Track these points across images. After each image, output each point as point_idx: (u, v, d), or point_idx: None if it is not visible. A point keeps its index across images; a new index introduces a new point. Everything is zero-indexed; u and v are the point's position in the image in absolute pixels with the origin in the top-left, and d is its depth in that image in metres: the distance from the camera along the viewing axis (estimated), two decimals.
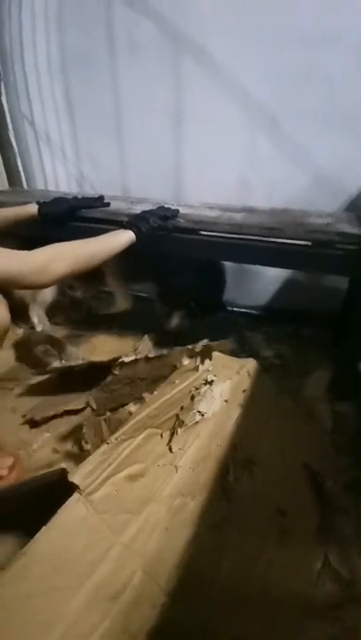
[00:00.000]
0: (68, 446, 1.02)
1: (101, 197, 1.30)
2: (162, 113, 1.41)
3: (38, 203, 1.17)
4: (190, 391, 0.83)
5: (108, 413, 0.95)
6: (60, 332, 1.54)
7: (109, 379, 1.02)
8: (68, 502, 0.61)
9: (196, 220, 1.12)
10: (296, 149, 1.29)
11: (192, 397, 0.83)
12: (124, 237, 1.00)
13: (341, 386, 1.18)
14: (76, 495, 0.62)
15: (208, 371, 0.86)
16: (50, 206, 1.19)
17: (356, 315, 1.04)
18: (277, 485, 0.84)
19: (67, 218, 1.22)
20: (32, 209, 1.16)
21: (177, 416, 0.80)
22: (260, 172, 1.38)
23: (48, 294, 1.55)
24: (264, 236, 1.02)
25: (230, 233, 1.05)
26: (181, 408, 0.81)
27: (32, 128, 1.64)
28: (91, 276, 1.33)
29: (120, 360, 1.02)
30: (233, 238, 1.05)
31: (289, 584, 0.73)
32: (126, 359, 1.00)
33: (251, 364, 1.01)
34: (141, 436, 0.75)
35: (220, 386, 0.88)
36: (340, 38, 1.11)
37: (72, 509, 0.61)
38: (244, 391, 0.93)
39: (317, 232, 0.99)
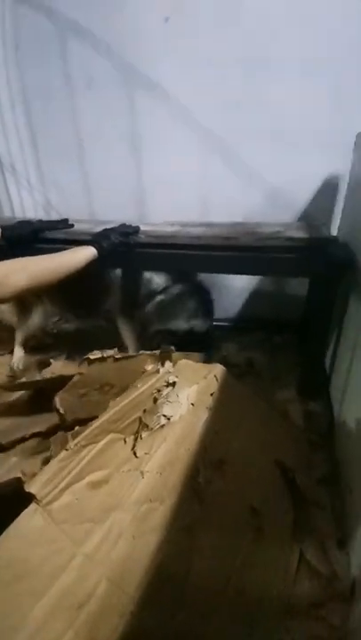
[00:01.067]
0: (36, 468, 0.98)
1: (65, 220, 1.34)
2: (121, 140, 1.49)
3: (1, 226, 1.19)
4: (152, 393, 0.83)
5: (76, 427, 0.93)
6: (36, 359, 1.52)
7: (76, 378, 1.00)
8: (24, 513, 0.59)
9: (157, 235, 1.16)
10: (247, 168, 1.38)
11: (155, 400, 0.83)
12: (86, 253, 1.03)
13: (310, 386, 1.21)
14: (33, 505, 0.60)
15: (169, 372, 0.87)
16: (13, 229, 1.21)
17: (314, 316, 1.09)
18: (250, 484, 0.84)
19: (30, 240, 1.24)
20: None
21: (140, 419, 0.80)
22: (217, 190, 1.46)
23: (35, 320, 1.53)
24: (221, 245, 1.07)
25: (189, 245, 1.10)
26: (144, 411, 0.81)
27: None
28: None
29: (86, 357, 1.01)
30: (192, 249, 1.10)
31: (267, 583, 0.72)
32: (92, 356, 1.00)
33: (218, 369, 1.02)
34: (103, 442, 0.74)
35: (185, 390, 0.89)
36: (272, 62, 1.22)
37: (29, 520, 0.59)
38: (211, 394, 0.94)
39: (269, 239, 1.05)
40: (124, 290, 1.37)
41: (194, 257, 1.08)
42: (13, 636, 0.49)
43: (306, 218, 1.33)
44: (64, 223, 1.30)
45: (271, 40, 1.22)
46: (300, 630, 0.70)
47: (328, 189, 1.30)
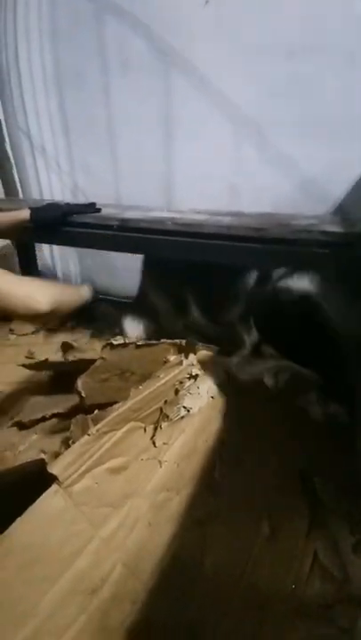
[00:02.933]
0: (56, 447, 1.00)
1: (93, 204, 1.33)
2: (153, 125, 1.46)
3: (31, 208, 1.20)
4: (174, 384, 0.83)
5: (96, 411, 0.94)
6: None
7: (99, 362, 1.01)
8: (45, 493, 0.60)
9: (184, 223, 1.14)
10: (282, 157, 1.33)
11: (176, 391, 0.83)
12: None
13: (333, 386, 1.17)
14: (54, 486, 0.61)
15: (192, 365, 0.87)
16: (42, 212, 1.21)
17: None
18: (266, 483, 0.83)
19: (58, 223, 1.24)
20: (25, 214, 1.18)
21: (160, 410, 0.80)
22: (248, 179, 1.41)
23: None
24: (251, 237, 1.04)
25: (217, 234, 1.07)
26: (165, 402, 0.81)
27: (28, 140, 1.70)
28: None
29: (109, 342, 1.02)
30: (221, 239, 1.07)
31: (278, 582, 0.71)
32: (115, 342, 1.00)
33: (240, 366, 1.01)
34: (124, 429, 0.75)
35: (206, 382, 0.88)
36: (319, 50, 1.16)
37: (50, 501, 0.60)
38: (233, 389, 0.93)
39: (302, 232, 1.01)
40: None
41: (222, 247, 1.06)
42: (26, 620, 0.50)
43: (341, 211, 1.27)
44: (92, 207, 1.30)
45: (315, 26, 1.15)
46: (309, 630, 0.69)
47: None
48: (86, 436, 0.70)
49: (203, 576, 0.65)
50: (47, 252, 1.91)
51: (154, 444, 0.76)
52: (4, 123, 1.69)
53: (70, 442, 0.97)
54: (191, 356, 0.90)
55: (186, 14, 1.28)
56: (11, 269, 1.82)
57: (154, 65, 1.37)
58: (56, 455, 0.98)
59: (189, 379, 0.85)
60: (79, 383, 1.00)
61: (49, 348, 1.43)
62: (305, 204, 1.31)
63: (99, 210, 1.29)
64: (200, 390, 0.86)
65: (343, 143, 1.22)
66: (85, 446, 0.68)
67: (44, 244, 1.89)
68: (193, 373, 0.86)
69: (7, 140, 1.71)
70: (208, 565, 0.66)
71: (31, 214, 1.19)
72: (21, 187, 1.79)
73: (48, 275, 1.94)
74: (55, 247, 1.89)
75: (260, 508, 0.79)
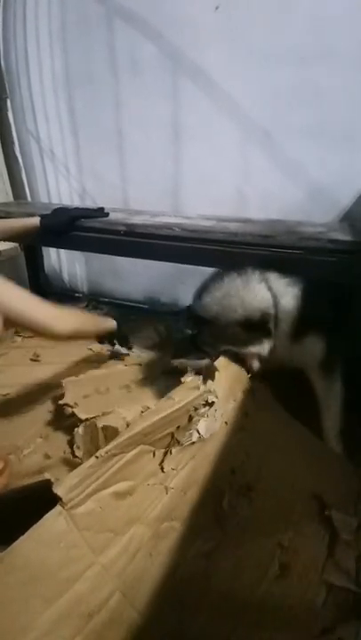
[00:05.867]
0: (61, 452, 1.00)
1: (101, 209, 1.33)
2: (162, 129, 1.47)
3: (41, 215, 1.22)
4: (188, 410, 0.80)
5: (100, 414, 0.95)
6: None
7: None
8: (48, 514, 0.59)
9: (192, 229, 1.14)
10: (290, 163, 1.32)
11: (190, 418, 0.80)
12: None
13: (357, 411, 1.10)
14: (58, 508, 0.60)
15: (210, 392, 0.83)
16: (50, 218, 1.23)
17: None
18: (279, 516, 0.78)
19: (66, 228, 1.25)
20: (35, 221, 1.22)
21: (172, 435, 0.78)
22: (256, 185, 1.41)
23: None
24: (259, 244, 1.03)
25: (225, 241, 1.07)
26: (178, 427, 0.78)
27: (37, 144, 1.71)
28: None
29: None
30: (229, 245, 1.07)
31: (288, 618, 0.67)
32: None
33: (258, 386, 0.98)
34: (133, 452, 0.72)
35: (222, 408, 0.85)
36: (330, 55, 1.15)
37: (52, 522, 0.59)
38: (247, 414, 0.90)
39: (310, 239, 1.00)
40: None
41: (230, 254, 1.05)
42: (22, 636, 0.50)
43: (349, 219, 1.26)
44: (100, 212, 1.30)
45: (326, 32, 1.14)
46: None
47: None
48: (94, 458, 0.68)
49: (203, 610, 0.63)
50: (54, 255, 1.92)
51: (162, 469, 0.73)
52: (13, 126, 1.70)
53: (75, 447, 0.97)
54: (210, 382, 0.85)
55: (196, 19, 1.28)
56: (18, 272, 1.84)
57: (163, 69, 1.37)
58: (60, 461, 0.98)
59: (205, 405, 0.82)
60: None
61: (54, 352, 1.44)
62: (313, 211, 1.30)
63: (107, 214, 1.29)
64: (215, 414, 0.83)
65: (352, 150, 1.22)
66: (92, 469, 0.65)
67: (50, 247, 1.90)
68: (209, 401, 0.82)
69: (16, 143, 1.72)
70: (211, 598, 0.64)
71: (41, 221, 1.20)
72: (30, 190, 1.80)
73: (54, 277, 1.95)
74: (62, 250, 1.90)
75: (271, 543, 0.74)
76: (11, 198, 1.78)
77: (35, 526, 0.58)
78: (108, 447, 0.70)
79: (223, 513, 0.74)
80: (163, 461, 0.75)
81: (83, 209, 1.34)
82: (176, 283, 1.65)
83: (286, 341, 0.94)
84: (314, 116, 1.22)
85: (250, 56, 1.24)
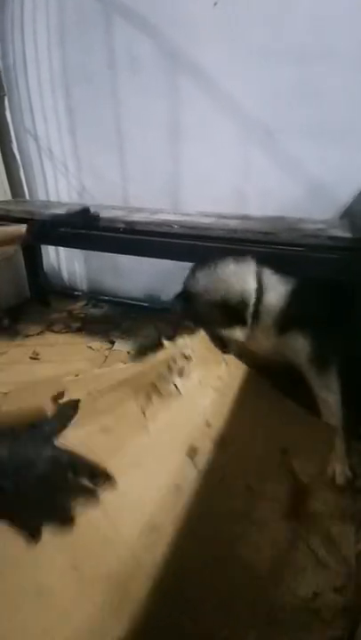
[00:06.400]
0: None
1: (87, 210, 1.28)
2: (161, 127, 1.46)
3: (28, 224, 1.25)
4: (168, 361, 0.90)
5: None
6: None
7: None
8: None
9: (191, 226, 1.14)
10: (289, 161, 1.32)
11: (169, 368, 0.89)
12: (15, 228, 1.22)
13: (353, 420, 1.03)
14: None
15: (187, 346, 0.93)
16: (40, 226, 1.24)
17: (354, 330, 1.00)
18: (248, 465, 0.88)
19: (55, 236, 1.27)
20: (21, 231, 1.24)
21: (153, 384, 0.87)
22: (255, 183, 1.41)
23: None
24: (259, 240, 1.03)
25: (225, 238, 1.07)
26: (158, 376, 0.88)
27: (35, 142, 1.70)
28: None
29: None
30: (229, 242, 1.07)
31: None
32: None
33: (231, 358, 1.06)
34: (119, 394, 0.83)
35: (197, 367, 0.95)
36: (330, 54, 1.15)
37: None
38: (220, 378, 0.99)
39: (311, 237, 1.00)
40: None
41: (230, 251, 1.05)
42: None
43: (349, 216, 1.26)
44: (86, 213, 1.26)
45: (325, 30, 1.14)
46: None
47: None
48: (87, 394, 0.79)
49: (178, 537, 0.69)
50: (53, 254, 1.92)
51: (143, 413, 0.83)
52: (11, 124, 1.69)
53: None
54: (187, 338, 0.96)
55: (194, 16, 1.27)
56: (16, 270, 1.83)
57: (162, 66, 1.37)
58: None
59: (183, 358, 0.91)
60: None
61: (54, 350, 1.44)
62: (313, 208, 1.30)
63: (95, 217, 1.25)
64: (191, 372, 0.92)
65: (352, 147, 1.21)
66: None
67: (49, 246, 1.90)
68: (187, 354, 0.91)
69: (14, 141, 1.71)
70: (182, 532, 0.70)
71: (28, 227, 1.22)
72: (28, 188, 1.80)
73: (53, 275, 1.95)
74: (61, 248, 1.89)
75: (240, 487, 0.84)
76: (9, 196, 1.78)
77: None
78: (98, 386, 0.84)
79: (196, 456, 0.83)
80: (144, 405, 0.85)
81: (71, 214, 1.28)
82: (176, 280, 1.64)
83: (270, 334, 0.98)
84: (314, 114, 1.22)
85: (249, 54, 1.24)
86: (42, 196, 1.80)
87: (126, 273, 1.78)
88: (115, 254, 1.58)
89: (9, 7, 1.51)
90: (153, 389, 0.87)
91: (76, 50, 1.47)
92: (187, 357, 0.93)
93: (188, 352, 0.93)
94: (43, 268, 1.89)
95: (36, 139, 1.69)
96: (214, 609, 0.66)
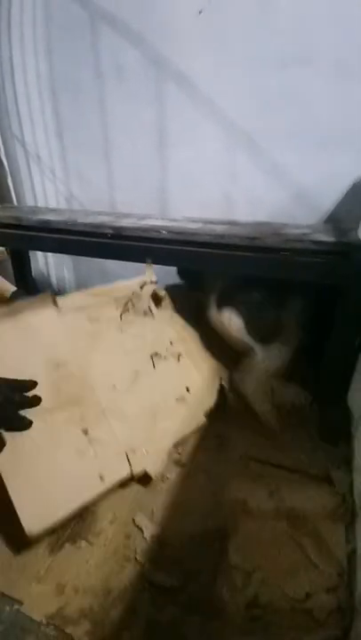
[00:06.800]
0: None
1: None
2: (148, 133, 1.47)
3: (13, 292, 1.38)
4: (140, 284, 1.19)
5: None
6: None
7: None
8: None
9: (178, 231, 1.15)
10: (276, 167, 1.34)
11: (141, 288, 1.19)
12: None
13: (329, 430, 1.05)
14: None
15: (152, 275, 1.20)
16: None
17: (335, 337, 1.01)
18: (183, 377, 1.14)
19: None
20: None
21: (130, 300, 1.16)
22: (242, 189, 1.43)
23: None
24: (246, 246, 1.04)
25: (212, 243, 1.08)
26: (133, 293, 1.17)
27: (23, 147, 1.70)
28: None
29: None
30: (216, 247, 1.08)
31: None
32: None
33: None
34: (103, 300, 1.12)
35: (168, 310, 1.26)
36: (313, 60, 1.18)
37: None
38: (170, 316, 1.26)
39: (295, 241, 1.02)
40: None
41: (217, 256, 1.06)
42: None
43: (333, 221, 1.29)
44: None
45: (308, 38, 1.16)
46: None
47: (358, 192, 1.25)
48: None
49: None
50: (42, 259, 1.91)
51: (120, 317, 1.12)
52: None
53: None
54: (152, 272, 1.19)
55: (179, 24, 1.29)
56: (5, 276, 1.81)
57: (148, 73, 1.38)
58: None
59: (150, 283, 1.19)
60: None
61: None
62: (298, 213, 1.32)
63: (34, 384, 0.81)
64: (162, 313, 1.21)
65: (335, 153, 1.24)
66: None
67: (38, 251, 1.89)
68: (153, 280, 1.19)
69: (1, 146, 1.71)
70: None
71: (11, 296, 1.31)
72: (16, 194, 1.79)
73: (42, 281, 1.94)
74: (49, 254, 1.88)
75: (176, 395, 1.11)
76: None
77: None
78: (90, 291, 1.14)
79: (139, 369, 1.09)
80: (122, 312, 1.13)
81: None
82: (162, 285, 1.65)
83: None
84: (296, 120, 1.25)
85: (233, 60, 1.26)
86: (30, 202, 1.79)
87: (114, 278, 1.77)
88: (103, 259, 1.59)
89: None
90: (130, 304, 1.16)
91: (63, 56, 1.47)
92: (153, 282, 1.20)
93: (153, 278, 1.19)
94: (31, 274, 1.87)
95: (23, 144, 1.69)
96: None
